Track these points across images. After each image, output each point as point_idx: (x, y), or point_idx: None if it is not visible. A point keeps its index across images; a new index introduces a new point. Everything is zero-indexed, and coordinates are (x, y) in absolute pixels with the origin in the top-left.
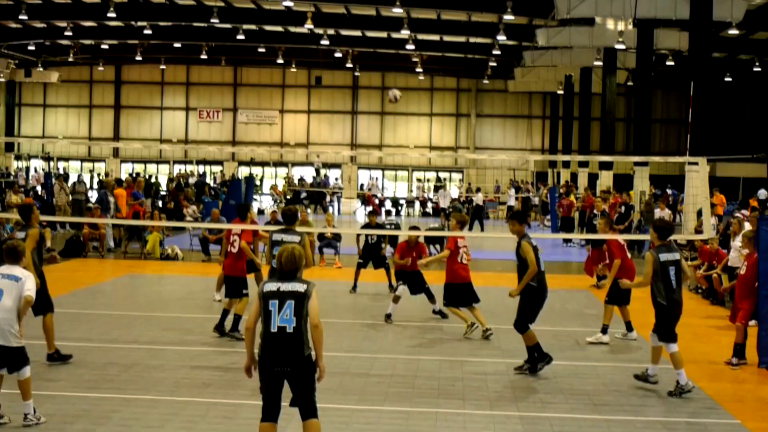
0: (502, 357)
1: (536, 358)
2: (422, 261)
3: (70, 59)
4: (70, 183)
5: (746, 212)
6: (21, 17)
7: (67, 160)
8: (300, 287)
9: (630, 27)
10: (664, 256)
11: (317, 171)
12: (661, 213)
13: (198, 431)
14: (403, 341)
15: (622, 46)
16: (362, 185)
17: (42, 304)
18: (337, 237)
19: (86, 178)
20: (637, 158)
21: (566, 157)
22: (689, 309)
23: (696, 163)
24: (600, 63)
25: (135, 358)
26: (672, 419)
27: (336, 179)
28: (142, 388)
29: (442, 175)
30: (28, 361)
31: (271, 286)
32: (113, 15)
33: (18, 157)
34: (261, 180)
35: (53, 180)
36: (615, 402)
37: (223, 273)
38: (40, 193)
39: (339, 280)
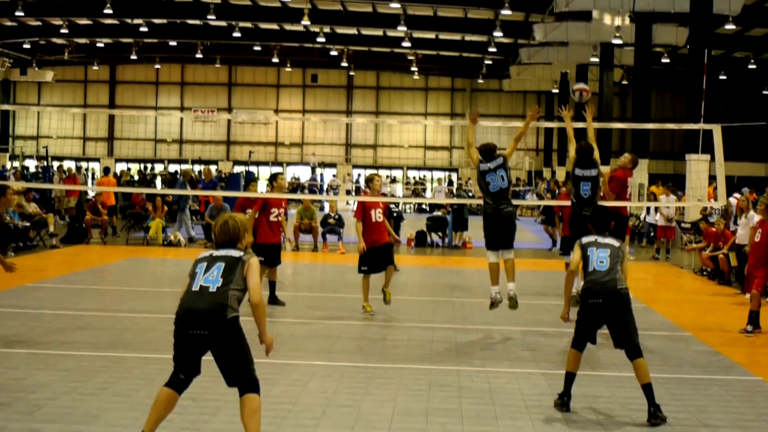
0: (517, 325)
1: None
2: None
3: (65, 58)
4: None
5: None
6: (17, 13)
7: (61, 159)
8: (235, 253)
9: (627, 22)
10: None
11: (313, 170)
12: (667, 199)
13: (221, 386)
14: (415, 313)
15: (620, 41)
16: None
17: None
18: (340, 223)
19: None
20: (651, 126)
21: (579, 125)
22: (696, 288)
23: (710, 131)
24: (596, 59)
25: (150, 325)
26: (696, 376)
27: (333, 176)
28: (159, 350)
29: (436, 174)
30: None
31: (205, 254)
32: (109, 11)
33: (14, 157)
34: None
35: (53, 171)
36: None
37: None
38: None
39: (344, 264)
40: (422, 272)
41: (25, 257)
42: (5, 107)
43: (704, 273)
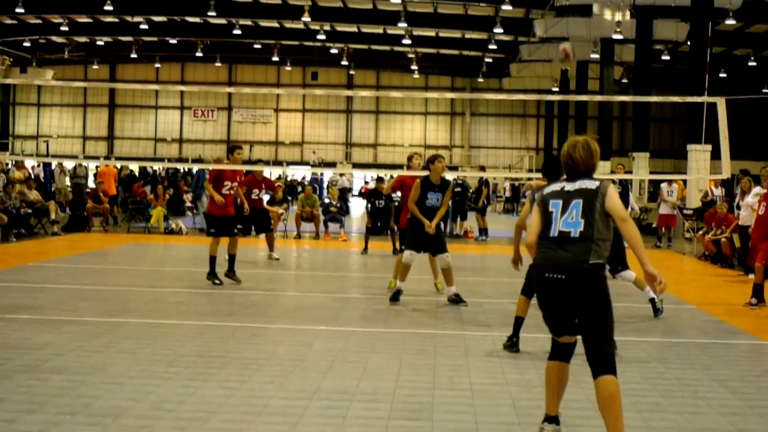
0: None
1: None
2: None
3: (65, 57)
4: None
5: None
6: (17, 10)
7: (61, 158)
8: (591, 184)
9: (628, 17)
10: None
11: (314, 167)
12: (668, 188)
13: (228, 346)
14: (419, 288)
15: (620, 36)
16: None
17: None
18: (342, 211)
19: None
20: (655, 99)
21: (584, 98)
22: (699, 270)
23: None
24: (596, 56)
25: (153, 297)
26: (703, 341)
27: (334, 172)
28: (164, 316)
29: None
30: None
31: (555, 187)
32: (110, 8)
33: (14, 156)
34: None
35: (53, 165)
36: (645, 329)
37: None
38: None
39: (345, 249)
40: (425, 256)
41: (27, 243)
42: (9, 81)
43: (707, 258)
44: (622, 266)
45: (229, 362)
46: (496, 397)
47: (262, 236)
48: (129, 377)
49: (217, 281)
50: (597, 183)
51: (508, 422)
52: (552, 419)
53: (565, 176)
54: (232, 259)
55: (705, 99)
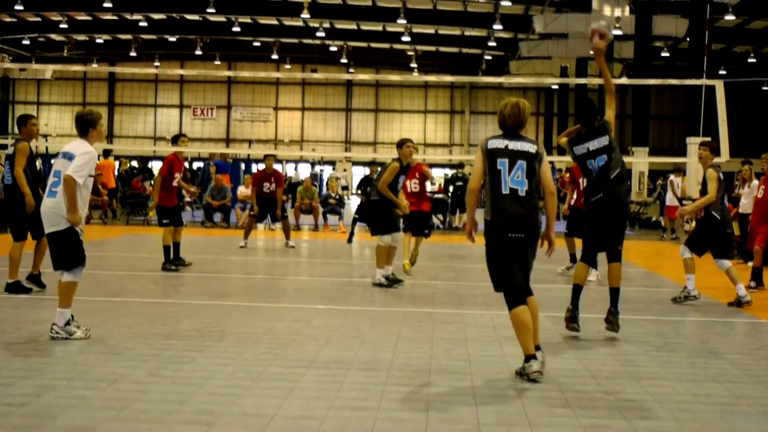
0: None
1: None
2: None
3: (65, 55)
4: None
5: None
6: (17, 8)
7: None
8: (531, 147)
9: (627, 13)
10: None
11: (313, 166)
12: (676, 180)
13: (225, 322)
14: (417, 273)
15: (620, 32)
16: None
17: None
18: (341, 203)
19: None
20: (653, 81)
21: (583, 81)
22: (698, 259)
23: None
24: None
25: (152, 279)
26: (705, 319)
27: (333, 169)
28: (162, 296)
29: (437, 171)
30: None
31: (499, 143)
32: (109, 5)
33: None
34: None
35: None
36: (643, 309)
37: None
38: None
39: (344, 239)
40: (423, 247)
41: None
42: (8, 65)
43: None
44: (726, 253)
45: (226, 336)
46: (493, 366)
47: (277, 226)
48: (126, 348)
49: (173, 267)
50: (535, 147)
51: (504, 387)
52: (534, 355)
53: (502, 132)
54: (177, 246)
55: (703, 82)
